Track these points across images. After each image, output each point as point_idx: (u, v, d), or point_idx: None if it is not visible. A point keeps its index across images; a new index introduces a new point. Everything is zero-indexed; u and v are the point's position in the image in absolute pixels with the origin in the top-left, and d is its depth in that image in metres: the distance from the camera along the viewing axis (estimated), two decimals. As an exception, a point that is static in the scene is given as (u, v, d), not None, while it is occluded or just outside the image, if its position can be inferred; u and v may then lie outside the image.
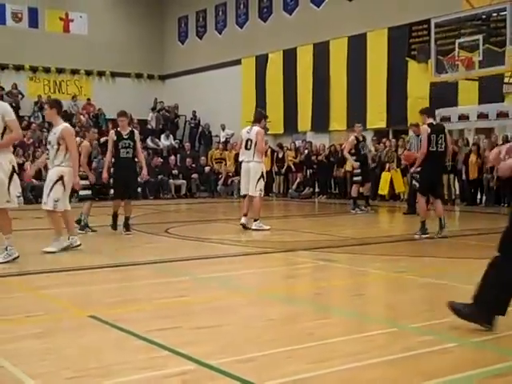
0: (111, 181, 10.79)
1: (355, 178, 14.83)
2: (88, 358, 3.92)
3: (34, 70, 24.90)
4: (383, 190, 18.13)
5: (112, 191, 11.13)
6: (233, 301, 5.71)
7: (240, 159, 11.67)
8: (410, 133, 14.74)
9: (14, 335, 4.50)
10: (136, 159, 10.71)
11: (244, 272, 7.42)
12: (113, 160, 10.55)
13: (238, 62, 23.99)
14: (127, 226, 10.57)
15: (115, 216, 10.75)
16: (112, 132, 10.71)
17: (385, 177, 17.96)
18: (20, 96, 23.93)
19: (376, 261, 7.96)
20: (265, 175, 11.46)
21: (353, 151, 14.71)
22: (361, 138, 14.79)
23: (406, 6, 18.44)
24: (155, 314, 5.15)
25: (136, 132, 10.78)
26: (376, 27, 19.20)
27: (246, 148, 11.29)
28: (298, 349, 4.12)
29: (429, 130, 9.89)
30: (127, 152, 10.43)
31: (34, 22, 24.76)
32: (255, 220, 11.19)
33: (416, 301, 5.82)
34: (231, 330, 4.64)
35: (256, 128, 11.25)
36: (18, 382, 3.52)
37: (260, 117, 11.59)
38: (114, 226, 10.74)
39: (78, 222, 10.48)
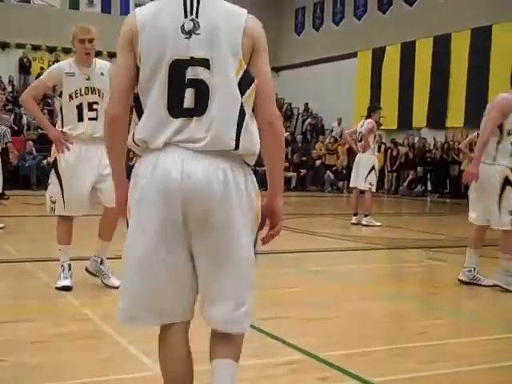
0: None
1: None
2: (200, 342, 4.01)
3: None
4: None
5: None
6: (342, 295, 5.67)
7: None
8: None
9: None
10: None
11: (353, 267, 7.35)
12: None
13: (353, 55, 23.74)
14: None
15: None
16: None
17: None
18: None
19: (492, 264, 7.65)
20: (376, 169, 11.33)
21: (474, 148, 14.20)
22: None
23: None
24: (265, 303, 5.19)
25: None
26: (503, 19, 18.36)
27: (359, 141, 11.28)
28: (409, 347, 4.05)
29: None
30: None
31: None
32: (366, 215, 11.08)
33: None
34: (340, 324, 4.61)
35: (367, 120, 11.27)
36: (133, 359, 3.67)
37: (372, 109, 11.55)
38: None
39: None
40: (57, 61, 24.31)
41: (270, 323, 4.41)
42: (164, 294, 2.28)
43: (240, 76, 2.24)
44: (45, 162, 18.08)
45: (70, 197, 5.20)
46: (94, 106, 5.23)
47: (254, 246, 2.39)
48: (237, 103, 2.24)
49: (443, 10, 20.36)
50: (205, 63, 2.21)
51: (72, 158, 5.19)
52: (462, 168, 18.41)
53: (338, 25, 25.16)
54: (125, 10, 24.85)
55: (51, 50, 24.37)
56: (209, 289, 2.30)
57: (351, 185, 11.78)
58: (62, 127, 5.22)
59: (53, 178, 5.30)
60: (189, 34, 2.22)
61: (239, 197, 2.25)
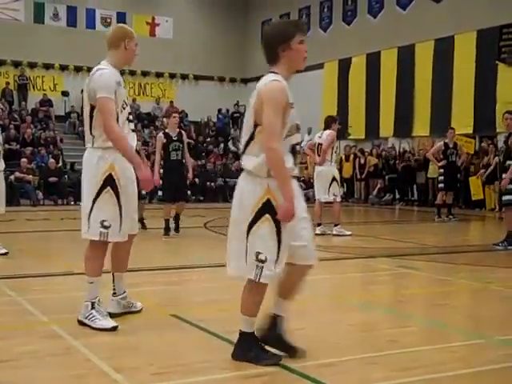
0: (160, 183, 10.49)
1: (439, 185, 14.44)
2: (171, 356, 3.99)
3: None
4: (478, 195, 17.36)
5: (161, 194, 10.94)
6: (313, 305, 5.68)
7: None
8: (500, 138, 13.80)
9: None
10: (184, 161, 10.50)
11: (324, 277, 7.36)
12: (162, 163, 10.50)
13: (320, 66, 23.90)
14: (177, 226, 10.59)
15: (167, 220, 10.50)
16: (161, 135, 10.55)
17: (474, 181, 17.29)
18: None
19: (459, 270, 7.76)
20: (338, 178, 11.17)
21: (441, 156, 14.31)
22: (451, 145, 14.18)
23: (497, 6, 17.88)
24: (237, 315, 5.18)
25: (184, 133, 10.65)
26: (464, 29, 18.71)
27: (318, 153, 11.10)
28: (379, 356, 4.07)
29: None
30: (177, 154, 10.35)
31: (122, 26, 25.49)
32: (336, 225, 11.11)
33: (503, 312, 5.62)
34: (312, 334, 4.61)
35: (326, 131, 11.04)
36: (104, 375, 3.63)
37: (329, 121, 11.22)
38: (167, 230, 10.47)
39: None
40: (22, 75, 24.17)
41: (242, 335, 4.40)
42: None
43: None
44: (12, 177, 17.86)
45: (127, 216, 4.56)
46: (130, 117, 4.72)
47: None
48: None
49: (406, 21, 20.68)
50: None
51: (129, 175, 4.60)
52: (428, 176, 18.64)
53: (303, 36, 25.32)
54: (90, 24, 24.72)
55: (16, 64, 24.12)
56: None
57: (316, 197, 11.41)
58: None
59: (107, 197, 4.45)
60: None
61: None
